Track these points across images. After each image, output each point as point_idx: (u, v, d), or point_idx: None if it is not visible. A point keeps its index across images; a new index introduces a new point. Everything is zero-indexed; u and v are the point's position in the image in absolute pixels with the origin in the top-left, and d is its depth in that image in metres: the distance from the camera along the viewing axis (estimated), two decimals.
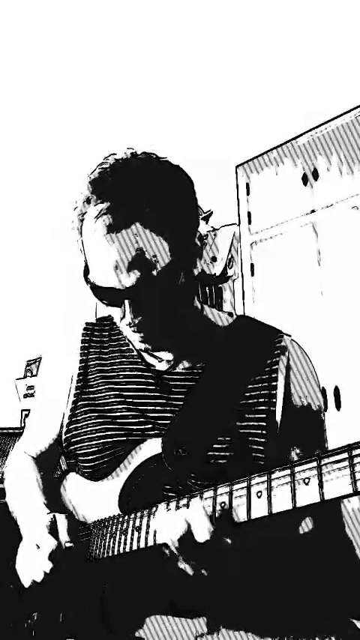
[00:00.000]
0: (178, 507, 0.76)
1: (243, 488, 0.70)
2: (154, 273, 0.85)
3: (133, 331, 0.90)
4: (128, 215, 0.84)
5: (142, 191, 0.86)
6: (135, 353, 1.00)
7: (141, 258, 0.84)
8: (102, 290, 0.88)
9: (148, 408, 0.94)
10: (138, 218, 0.84)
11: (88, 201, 0.87)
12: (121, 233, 0.84)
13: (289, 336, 0.99)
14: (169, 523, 0.73)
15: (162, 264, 0.85)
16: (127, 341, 1.02)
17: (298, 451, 0.92)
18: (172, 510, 0.77)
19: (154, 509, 0.81)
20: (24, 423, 3.64)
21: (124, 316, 0.89)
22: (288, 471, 0.66)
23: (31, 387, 3.78)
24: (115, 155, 0.91)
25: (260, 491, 0.68)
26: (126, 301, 0.87)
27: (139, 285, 0.85)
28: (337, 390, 2.54)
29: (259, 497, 0.68)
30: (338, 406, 2.53)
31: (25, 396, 3.83)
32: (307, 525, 0.88)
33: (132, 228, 0.84)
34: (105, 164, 0.90)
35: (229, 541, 0.71)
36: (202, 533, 0.70)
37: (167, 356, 0.97)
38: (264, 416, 0.91)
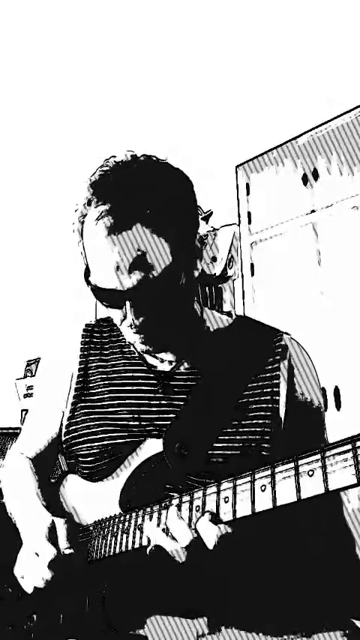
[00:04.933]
0: (190, 509, 0.76)
1: (247, 482, 0.70)
2: (155, 274, 0.84)
3: (134, 333, 0.89)
4: (129, 216, 0.84)
5: (143, 192, 0.86)
6: (136, 354, 1.00)
7: (142, 259, 0.83)
8: (103, 292, 0.87)
9: (150, 409, 0.93)
10: (139, 219, 0.83)
11: (89, 203, 0.87)
12: (122, 234, 0.83)
13: (289, 334, 0.99)
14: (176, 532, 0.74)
15: (163, 265, 0.84)
16: (128, 342, 1.02)
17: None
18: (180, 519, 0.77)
19: (156, 507, 0.81)
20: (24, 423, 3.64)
21: (124, 318, 0.88)
22: (292, 464, 0.65)
23: (31, 387, 3.78)
24: (115, 158, 0.90)
25: (264, 485, 0.68)
26: (127, 302, 0.86)
27: (140, 287, 0.84)
28: (337, 390, 2.54)
29: (263, 490, 0.68)
30: (338, 406, 2.53)
31: (25, 396, 3.83)
32: (310, 524, 0.88)
33: (133, 229, 0.83)
34: (105, 166, 0.89)
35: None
36: (212, 540, 0.71)
37: (169, 357, 0.97)
38: (268, 414, 0.90)
